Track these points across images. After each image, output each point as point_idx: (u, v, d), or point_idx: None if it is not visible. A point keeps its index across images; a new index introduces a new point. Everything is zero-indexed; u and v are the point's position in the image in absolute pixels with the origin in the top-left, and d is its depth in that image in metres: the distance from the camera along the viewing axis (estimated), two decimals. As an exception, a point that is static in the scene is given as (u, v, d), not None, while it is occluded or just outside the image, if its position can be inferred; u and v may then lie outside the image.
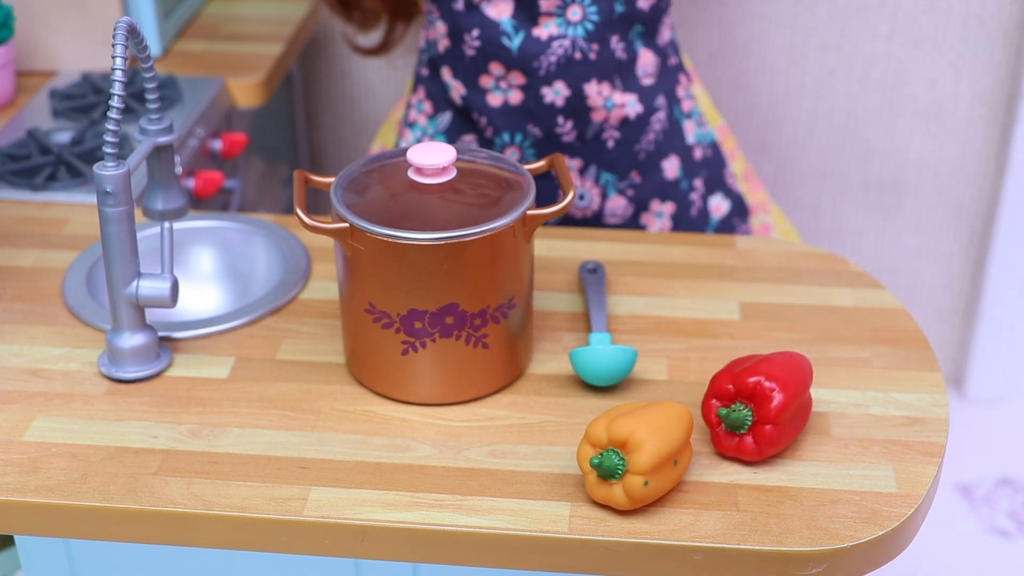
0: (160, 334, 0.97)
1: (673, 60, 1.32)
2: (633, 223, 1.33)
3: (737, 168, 1.41)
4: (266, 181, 1.75)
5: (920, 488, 0.82)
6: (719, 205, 1.38)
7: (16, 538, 0.90)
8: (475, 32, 1.23)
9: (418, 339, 0.87)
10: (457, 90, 1.28)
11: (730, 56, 1.86)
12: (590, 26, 1.22)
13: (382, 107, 1.98)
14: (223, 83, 1.49)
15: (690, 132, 1.34)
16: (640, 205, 1.32)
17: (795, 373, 0.83)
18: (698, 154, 1.35)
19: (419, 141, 1.34)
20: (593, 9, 1.21)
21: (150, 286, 0.90)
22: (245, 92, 1.51)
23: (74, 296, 1.02)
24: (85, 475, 0.84)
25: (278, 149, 1.86)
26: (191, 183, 1.37)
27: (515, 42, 1.22)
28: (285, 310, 1.01)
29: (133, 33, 0.87)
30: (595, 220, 1.32)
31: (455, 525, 0.80)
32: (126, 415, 0.89)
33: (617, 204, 1.31)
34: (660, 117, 1.29)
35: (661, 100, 1.29)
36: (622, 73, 1.25)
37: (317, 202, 2.06)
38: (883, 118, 1.84)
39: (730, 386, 0.83)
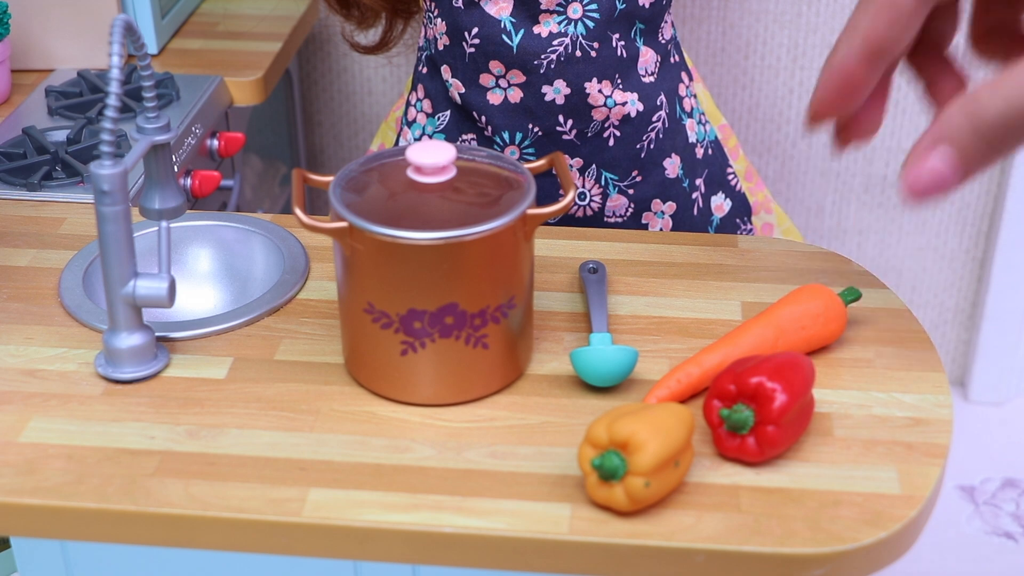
0: (157, 334, 0.96)
1: (674, 58, 1.31)
2: (634, 222, 1.32)
3: (739, 167, 1.41)
4: (264, 180, 1.75)
5: (924, 490, 0.82)
6: (721, 204, 1.37)
7: (12, 540, 0.90)
8: (475, 30, 1.23)
9: (417, 339, 0.87)
10: (457, 88, 1.27)
11: (732, 54, 1.85)
12: (591, 24, 1.21)
13: (381, 105, 1.98)
14: (220, 81, 1.49)
15: (691, 131, 1.33)
16: (641, 204, 1.31)
17: (797, 374, 0.83)
18: (699, 153, 1.34)
19: (418, 140, 1.34)
20: (594, 7, 1.21)
21: (147, 286, 0.90)
22: (243, 90, 1.51)
23: (70, 296, 1.01)
24: (82, 476, 0.83)
25: (276, 148, 1.86)
26: (188, 182, 1.36)
27: (515, 40, 1.22)
28: (283, 310, 1.01)
29: (130, 31, 0.86)
30: (596, 219, 1.31)
31: (455, 526, 0.79)
32: (123, 416, 0.89)
33: (618, 203, 1.30)
34: (661, 115, 1.28)
35: (662, 98, 1.28)
36: (623, 71, 1.25)
37: (316, 201, 2.05)
38: (885, 116, 1.83)
39: (732, 387, 0.83)
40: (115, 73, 0.84)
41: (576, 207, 1.30)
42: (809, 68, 1.84)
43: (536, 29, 1.21)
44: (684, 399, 0.89)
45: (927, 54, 0.85)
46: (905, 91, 1.79)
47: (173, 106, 1.41)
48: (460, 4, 1.23)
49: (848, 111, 0.83)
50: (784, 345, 0.91)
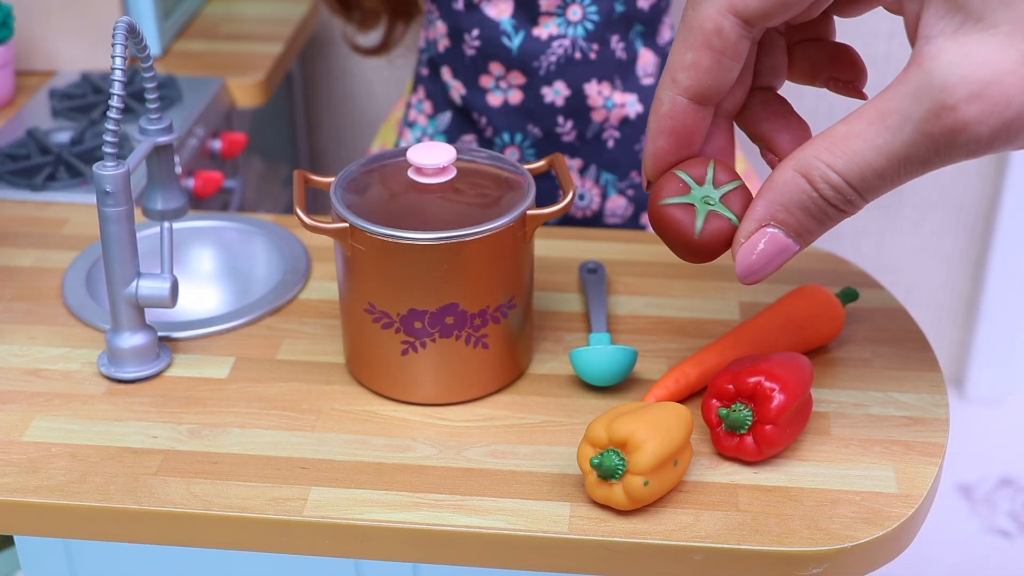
0: (160, 334, 0.97)
1: (673, 60, 1.32)
2: (633, 223, 1.33)
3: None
4: (266, 181, 1.76)
5: (921, 488, 0.82)
6: (719, 205, 1.38)
7: (15, 538, 0.90)
8: (475, 32, 1.23)
9: (418, 339, 0.87)
10: (457, 90, 1.28)
11: (730, 56, 1.85)
12: (590, 26, 1.22)
13: (382, 107, 1.98)
14: (223, 83, 1.49)
15: (690, 132, 1.34)
16: (640, 205, 1.32)
17: (795, 373, 0.83)
18: (698, 154, 1.35)
19: (419, 141, 1.34)
20: (593, 9, 1.22)
21: (150, 286, 0.90)
22: (245, 92, 1.51)
23: (73, 296, 1.02)
24: (85, 475, 0.84)
25: (278, 149, 1.86)
26: (191, 183, 1.37)
27: (515, 42, 1.22)
28: (285, 310, 1.01)
29: (132, 33, 0.87)
30: (595, 220, 1.32)
31: (455, 525, 0.80)
32: (126, 415, 0.89)
33: (617, 204, 1.31)
34: (660, 117, 1.29)
35: (661, 100, 1.29)
36: (622, 73, 1.25)
37: (317, 202, 2.06)
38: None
39: (730, 386, 0.83)
40: (118, 75, 0.84)
41: (576, 208, 1.31)
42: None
43: (536, 31, 1.22)
44: (683, 398, 0.89)
45: (762, 104, 0.79)
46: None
47: (176, 107, 1.42)
48: (460, 6, 1.23)
49: (687, 157, 0.76)
50: (782, 345, 0.92)
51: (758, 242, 0.71)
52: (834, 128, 0.68)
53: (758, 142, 0.79)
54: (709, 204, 0.74)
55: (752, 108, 0.79)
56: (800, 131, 0.78)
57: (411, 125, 1.35)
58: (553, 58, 1.22)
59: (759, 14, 0.69)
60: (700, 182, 0.75)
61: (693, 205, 0.74)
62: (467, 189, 0.89)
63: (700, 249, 0.75)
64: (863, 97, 0.79)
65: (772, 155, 0.78)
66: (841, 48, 0.80)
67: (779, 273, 1.05)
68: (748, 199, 0.75)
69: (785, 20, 0.71)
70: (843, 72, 0.79)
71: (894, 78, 0.66)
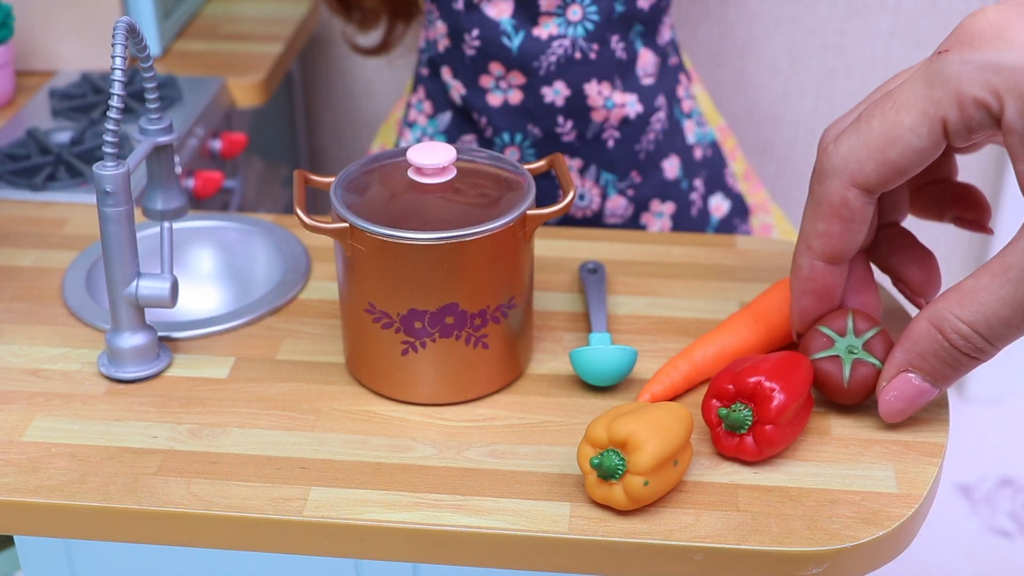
0: (160, 334, 0.97)
1: (673, 60, 1.32)
2: (633, 223, 1.33)
3: (737, 168, 1.41)
4: (266, 181, 1.76)
5: (920, 488, 0.82)
6: (719, 205, 1.38)
7: (15, 538, 0.90)
8: (475, 32, 1.23)
9: (418, 339, 0.87)
10: (457, 90, 1.28)
11: (730, 56, 1.86)
12: (590, 26, 1.22)
13: (382, 107, 1.98)
14: (223, 83, 1.49)
15: (690, 132, 1.34)
16: (640, 205, 1.32)
17: (796, 373, 0.83)
18: (698, 154, 1.35)
19: (419, 141, 1.35)
20: (593, 9, 1.22)
21: (150, 286, 0.90)
22: (245, 92, 1.51)
23: (73, 296, 1.02)
24: (85, 475, 0.84)
25: (278, 149, 1.86)
26: (191, 183, 1.37)
27: (515, 42, 1.22)
28: (285, 310, 1.01)
29: (133, 33, 0.87)
30: (595, 220, 1.32)
31: (455, 525, 0.80)
32: (126, 415, 0.89)
33: (617, 204, 1.31)
34: (660, 117, 1.29)
35: (661, 100, 1.29)
36: (622, 73, 1.25)
37: (317, 202, 2.06)
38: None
39: (730, 386, 0.83)
40: (118, 75, 0.84)
41: (576, 208, 1.31)
42: (806, 70, 1.84)
43: (536, 31, 1.22)
44: (678, 394, 0.89)
45: (887, 240, 0.87)
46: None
47: (176, 107, 1.42)
48: (460, 6, 1.23)
49: (829, 310, 0.86)
50: (776, 337, 0.92)
51: (898, 387, 0.81)
52: (963, 282, 0.76)
53: (888, 273, 0.88)
54: (853, 353, 0.85)
55: (879, 244, 0.88)
56: (926, 261, 0.88)
57: (411, 125, 1.35)
58: (553, 58, 1.22)
59: (879, 184, 0.77)
60: (842, 333, 0.85)
61: (839, 357, 0.85)
62: (467, 189, 0.89)
63: (850, 395, 0.85)
64: (988, 232, 0.88)
65: (903, 285, 0.88)
66: (963, 188, 0.87)
67: (780, 272, 1.05)
68: (888, 342, 0.85)
69: (904, 180, 0.78)
70: (967, 211, 0.87)
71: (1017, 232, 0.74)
